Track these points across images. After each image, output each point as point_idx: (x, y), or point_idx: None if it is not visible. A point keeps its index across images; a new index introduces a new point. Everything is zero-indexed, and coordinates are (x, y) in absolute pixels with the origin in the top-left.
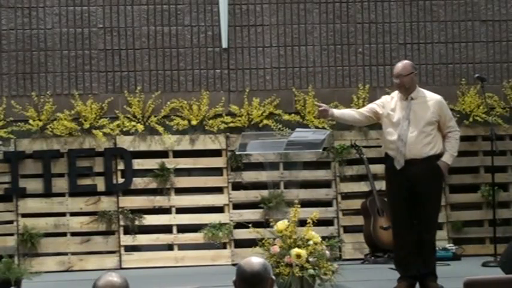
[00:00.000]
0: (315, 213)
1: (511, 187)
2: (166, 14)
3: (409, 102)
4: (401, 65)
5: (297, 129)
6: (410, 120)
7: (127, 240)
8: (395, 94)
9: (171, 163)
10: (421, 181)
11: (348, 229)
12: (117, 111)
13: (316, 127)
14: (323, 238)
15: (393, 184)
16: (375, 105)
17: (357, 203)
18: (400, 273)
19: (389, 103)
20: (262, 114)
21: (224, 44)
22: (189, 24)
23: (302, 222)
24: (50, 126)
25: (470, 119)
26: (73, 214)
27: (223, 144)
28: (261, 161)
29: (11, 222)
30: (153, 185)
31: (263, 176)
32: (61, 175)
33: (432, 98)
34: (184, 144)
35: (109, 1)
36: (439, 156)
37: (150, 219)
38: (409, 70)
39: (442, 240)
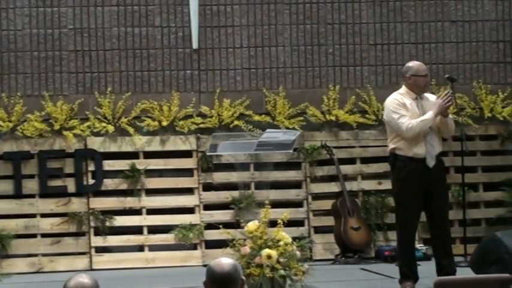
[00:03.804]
0: (285, 213)
1: (480, 187)
2: (137, 15)
3: (419, 101)
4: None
5: (268, 130)
6: None
7: (98, 241)
8: (402, 95)
9: (141, 164)
10: (439, 177)
11: (319, 230)
12: (87, 112)
13: (287, 128)
14: (294, 239)
15: (412, 185)
16: (403, 110)
17: (327, 204)
18: (407, 274)
19: (405, 105)
20: (233, 115)
21: (195, 45)
22: (159, 25)
23: (273, 223)
24: (20, 128)
25: None
26: (43, 215)
27: (193, 145)
28: (231, 161)
29: None
30: (124, 186)
31: (234, 176)
32: (31, 176)
33: (428, 95)
34: (155, 145)
35: (79, 2)
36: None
37: (121, 221)
38: None
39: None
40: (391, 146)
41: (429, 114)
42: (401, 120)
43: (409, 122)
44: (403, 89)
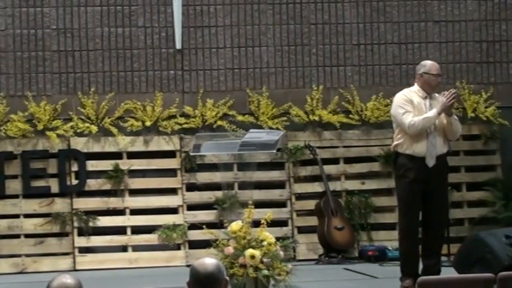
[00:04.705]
0: (269, 214)
1: (464, 187)
2: (120, 15)
3: (428, 100)
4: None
5: (251, 130)
6: None
7: (81, 241)
8: (412, 94)
9: (125, 164)
10: (438, 177)
11: (302, 230)
12: (70, 113)
13: (270, 128)
14: (277, 239)
15: (410, 183)
16: (410, 106)
17: (311, 204)
18: (407, 271)
19: (413, 103)
20: (216, 115)
21: (178, 45)
22: (142, 26)
23: (256, 223)
24: (4, 128)
25: None
26: (27, 216)
27: (177, 145)
28: (215, 162)
29: None
30: (107, 186)
31: (217, 177)
32: (14, 177)
33: (438, 96)
34: (138, 146)
35: (62, 2)
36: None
37: (104, 221)
38: None
39: (397, 241)
40: (394, 143)
41: (432, 112)
42: (405, 116)
43: (412, 118)
44: (415, 86)
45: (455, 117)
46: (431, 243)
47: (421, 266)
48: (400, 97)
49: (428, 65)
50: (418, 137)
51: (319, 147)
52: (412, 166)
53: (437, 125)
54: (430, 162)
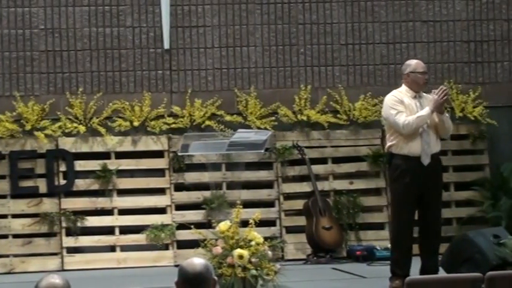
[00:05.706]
0: (257, 213)
1: (452, 187)
2: (108, 15)
3: (419, 99)
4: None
5: (239, 130)
6: None
7: (69, 241)
8: (401, 94)
9: (113, 164)
10: (433, 176)
11: (290, 229)
12: (58, 113)
13: (258, 128)
14: (265, 239)
15: (406, 183)
16: (401, 106)
17: (299, 204)
18: (397, 272)
19: (403, 103)
20: (204, 115)
21: (166, 45)
22: (130, 25)
23: (244, 223)
24: None
25: None
26: (15, 216)
27: (165, 145)
28: (203, 162)
29: None
30: (95, 186)
31: (205, 176)
32: (2, 177)
33: (426, 94)
34: (127, 146)
35: (50, 2)
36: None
37: (92, 221)
38: None
39: (385, 240)
40: (388, 143)
41: (425, 110)
42: (398, 117)
43: (406, 118)
44: (403, 87)
45: (447, 114)
46: (430, 242)
47: (418, 266)
48: (390, 98)
49: (413, 63)
50: (411, 136)
51: (307, 147)
52: (407, 167)
53: (430, 123)
54: (425, 160)
